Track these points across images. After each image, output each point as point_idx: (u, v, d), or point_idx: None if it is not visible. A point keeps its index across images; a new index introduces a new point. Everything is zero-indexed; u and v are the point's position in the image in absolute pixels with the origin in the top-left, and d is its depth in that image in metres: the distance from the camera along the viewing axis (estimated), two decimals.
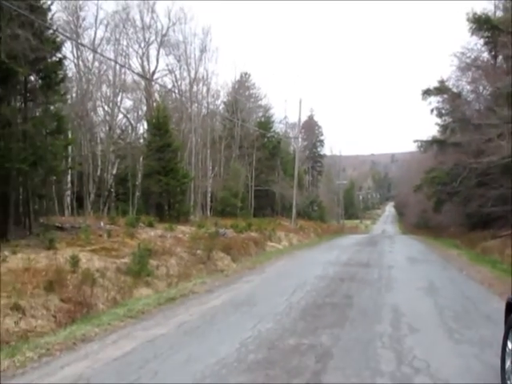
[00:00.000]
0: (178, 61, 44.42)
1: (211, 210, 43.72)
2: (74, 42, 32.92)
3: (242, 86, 55.92)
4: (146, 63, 42.78)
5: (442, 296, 12.94)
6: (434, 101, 42.21)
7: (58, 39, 22.35)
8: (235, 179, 46.97)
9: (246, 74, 56.49)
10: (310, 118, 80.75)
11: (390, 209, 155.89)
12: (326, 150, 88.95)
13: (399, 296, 12.85)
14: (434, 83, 41.56)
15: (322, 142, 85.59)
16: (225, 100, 54.42)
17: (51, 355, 7.77)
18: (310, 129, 79.59)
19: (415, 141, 45.63)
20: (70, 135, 27.54)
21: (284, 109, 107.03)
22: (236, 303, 11.87)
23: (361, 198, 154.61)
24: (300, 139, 63.44)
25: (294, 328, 9.18)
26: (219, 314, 10.66)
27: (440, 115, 43.16)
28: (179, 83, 45.48)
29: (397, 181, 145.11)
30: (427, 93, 41.61)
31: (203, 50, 44.93)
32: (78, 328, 9.50)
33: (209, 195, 44.43)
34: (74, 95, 33.77)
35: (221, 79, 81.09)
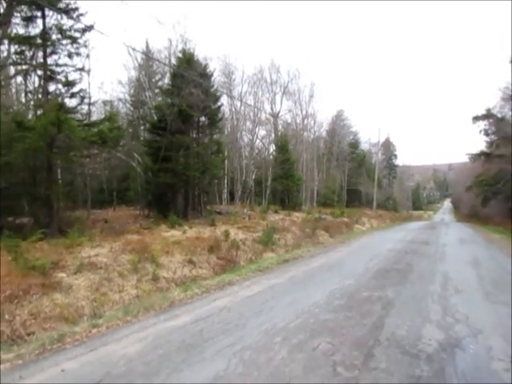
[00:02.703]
0: (294, 104, 44.63)
1: (316, 202, 43.17)
2: (228, 95, 34.31)
3: (338, 118, 54.49)
4: (273, 106, 43.59)
5: (483, 267, 11.64)
6: (482, 124, 38.20)
7: (218, 93, 23.36)
8: (333, 182, 46.17)
9: (340, 110, 55.31)
10: (387, 139, 76.25)
11: (447, 203, 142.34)
12: (399, 162, 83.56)
13: (449, 266, 11.78)
14: (481, 111, 37.61)
15: (395, 156, 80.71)
16: (326, 128, 53.59)
17: (208, 292, 8.22)
18: (387, 147, 75.24)
19: (467, 154, 41.31)
20: (225, 154, 28.63)
21: (368, 132, 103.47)
22: (329, 265, 11.69)
23: (425, 195, 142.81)
24: (379, 155, 60.59)
25: (368, 284, 8.84)
26: (317, 272, 10.57)
27: (487, 134, 38.87)
28: (295, 118, 45.68)
29: (453, 183, 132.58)
30: (476, 118, 37.75)
31: (311, 96, 44.49)
32: (226, 276, 9.94)
33: (315, 192, 43.93)
34: (228, 129, 35.06)
35: (324, 114, 79.84)
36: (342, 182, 49.74)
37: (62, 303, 6.88)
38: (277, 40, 79.05)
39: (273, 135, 42.52)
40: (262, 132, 42.73)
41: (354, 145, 55.62)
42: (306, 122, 45.73)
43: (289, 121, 45.34)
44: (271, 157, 40.69)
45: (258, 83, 40.31)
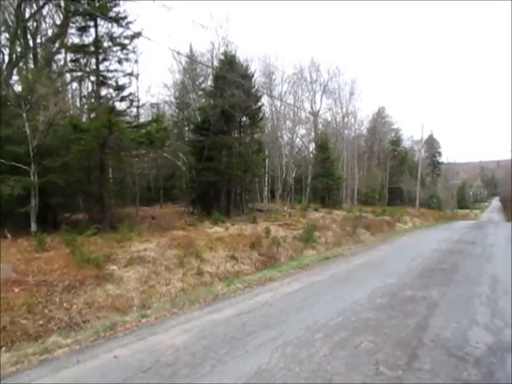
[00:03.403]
0: (335, 102, 43.84)
1: (356, 200, 42.22)
2: (268, 95, 34.35)
3: (379, 116, 52.94)
4: (313, 105, 43.13)
5: None
6: None
7: (259, 94, 23.38)
8: (374, 180, 44.94)
9: (382, 107, 53.59)
10: (431, 136, 73.17)
11: (495, 202, 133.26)
12: (443, 159, 79.79)
13: (497, 267, 11.13)
14: None
15: (439, 153, 77.15)
16: (367, 126, 52.29)
17: (250, 287, 8.27)
18: (430, 144, 72.07)
19: None
20: (266, 153, 28.60)
21: (410, 129, 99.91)
22: (370, 264, 11.41)
23: (471, 193, 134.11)
24: (422, 152, 58.22)
25: (411, 284, 8.55)
26: (358, 270, 10.35)
27: None
28: (335, 117, 44.90)
29: (502, 181, 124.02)
30: None
31: (352, 94, 43.54)
32: (267, 272, 9.97)
33: (355, 191, 42.99)
34: (268, 128, 35.05)
35: (364, 112, 77.76)
36: (383, 180, 48.28)
37: (113, 294, 7.19)
38: (316, 39, 78.13)
39: (313, 134, 42.03)
40: (301, 131, 42.43)
41: (396, 142, 53.80)
42: (346, 119, 44.89)
43: (329, 119, 44.71)
44: (311, 155, 40.29)
45: (297, 82, 40.03)
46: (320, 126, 43.67)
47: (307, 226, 15.90)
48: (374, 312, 6.27)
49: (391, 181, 49.74)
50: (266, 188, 32.79)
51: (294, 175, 34.84)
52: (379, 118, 52.77)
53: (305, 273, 9.99)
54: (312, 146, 42.13)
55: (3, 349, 5.11)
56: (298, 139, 41.47)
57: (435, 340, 5.07)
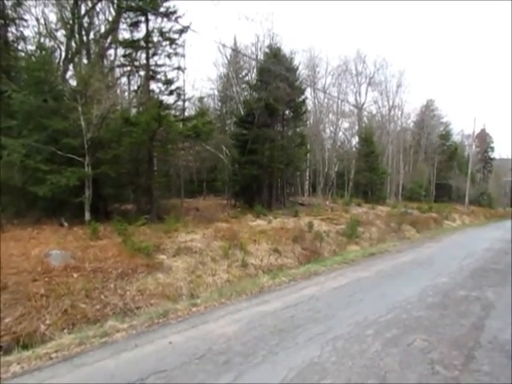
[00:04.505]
0: (381, 94, 42.50)
1: (401, 196, 40.95)
2: (312, 88, 33.94)
3: (428, 109, 50.73)
4: (358, 97, 42.15)
5: None
6: None
7: (303, 86, 23.16)
8: (420, 175, 43.34)
9: (431, 100, 51.34)
10: (483, 130, 69.15)
11: None
12: (496, 154, 75.18)
13: None
14: None
15: (492, 148, 72.86)
16: (414, 120, 50.41)
17: (295, 281, 8.29)
18: (482, 138, 68.05)
19: None
20: (308, 147, 28.32)
21: (461, 122, 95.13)
22: (419, 261, 11.07)
23: None
24: (473, 147, 55.28)
25: (464, 283, 8.23)
26: (406, 267, 10.08)
27: None
28: (381, 110, 43.60)
29: None
30: None
31: (399, 86, 41.96)
32: (311, 266, 9.94)
33: (400, 186, 41.68)
34: (311, 121, 34.67)
35: (412, 104, 74.52)
36: (430, 176, 46.40)
37: (163, 282, 7.48)
38: (363, 30, 75.62)
39: (356, 127, 41.11)
40: (345, 124, 41.62)
41: (445, 136, 51.36)
42: (392, 113, 43.44)
43: (374, 112, 43.50)
44: (354, 149, 39.46)
45: (342, 75, 39.15)
46: (364, 119, 42.63)
47: (350, 221, 15.66)
48: (425, 311, 6.11)
49: (439, 176, 47.64)
50: (308, 182, 32.53)
51: (336, 169, 34.28)
52: (427, 111, 50.63)
53: (350, 268, 9.87)
54: (355, 140, 41.29)
55: (65, 331, 5.48)
56: (340, 133, 40.79)
57: (493, 342, 4.87)
